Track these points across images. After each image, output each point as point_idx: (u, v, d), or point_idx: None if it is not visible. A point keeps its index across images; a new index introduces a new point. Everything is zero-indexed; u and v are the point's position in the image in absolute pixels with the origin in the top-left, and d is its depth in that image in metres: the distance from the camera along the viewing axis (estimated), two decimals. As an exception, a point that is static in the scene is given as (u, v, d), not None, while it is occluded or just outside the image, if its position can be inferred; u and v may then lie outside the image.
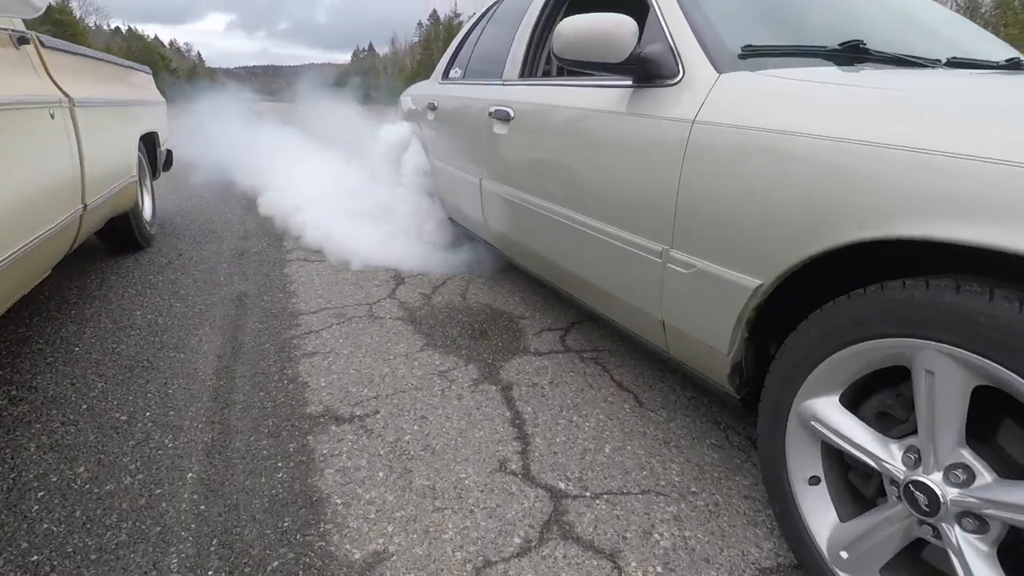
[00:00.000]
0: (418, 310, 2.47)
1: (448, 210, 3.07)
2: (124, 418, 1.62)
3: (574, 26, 1.48)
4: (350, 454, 1.47)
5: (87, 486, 1.35)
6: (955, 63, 1.49)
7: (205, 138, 7.13)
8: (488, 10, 3.03)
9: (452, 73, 3.14)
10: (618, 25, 1.41)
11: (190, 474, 1.39)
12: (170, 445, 1.50)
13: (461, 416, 1.65)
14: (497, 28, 2.75)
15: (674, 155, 1.29)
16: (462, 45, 3.17)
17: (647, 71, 1.45)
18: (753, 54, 1.33)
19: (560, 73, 2.50)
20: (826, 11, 1.73)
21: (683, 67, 1.38)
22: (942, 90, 1.08)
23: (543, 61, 2.34)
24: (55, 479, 1.37)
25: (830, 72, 1.25)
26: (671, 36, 1.46)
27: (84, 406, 1.68)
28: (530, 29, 2.32)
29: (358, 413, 1.66)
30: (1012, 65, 1.62)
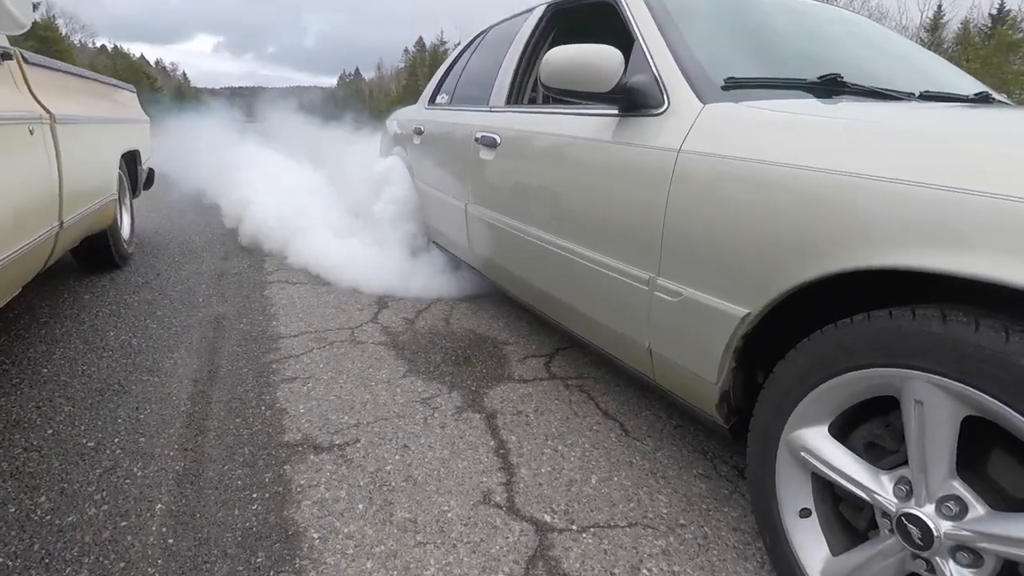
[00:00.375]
0: (401, 335, 2.43)
1: (432, 234, 3.06)
2: (91, 444, 1.56)
3: (562, 56, 1.49)
4: (328, 485, 1.42)
5: (48, 517, 1.28)
6: (928, 96, 1.54)
7: (186, 157, 7.09)
8: (475, 38, 3.07)
9: (439, 99, 3.16)
10: (605, 56, 1.43)
11: (159, 505, 1.33)
12: (139, 474, 1.44)
13: (444, 445, 1.61)
14: (484, 56, 2.79)
15: (660, 184, 1.29)
16: (449, 71, 3.20)
17: (633, 101, 1.47)
18: (735, 85, 1.35)
19: (546, 101, 2.53)
20: (804, 45, 1.77)
21: (668, 98, 1.40)
22: (918, 122, 1.10)
23: (529, 89, 2.36)
24: (13, 509, 1.30)
25: (810, 104, 1.28)
26: (656, 67, 1.48)
27: (49, 431, 1.61)
28: (517, 57, 2.34)
29: (338, 442, 1.61)
30: (981, 99, 1.68)
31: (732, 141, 1.17)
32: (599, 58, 1.43)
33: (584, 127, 1.66)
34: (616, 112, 1.54)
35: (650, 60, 1.51)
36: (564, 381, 2.03)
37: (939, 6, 26.22)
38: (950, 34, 26.25)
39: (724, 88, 1.34)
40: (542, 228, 1.82)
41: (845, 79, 1.41)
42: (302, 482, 1.43)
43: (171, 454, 1.53)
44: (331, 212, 4.02)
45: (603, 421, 1.77)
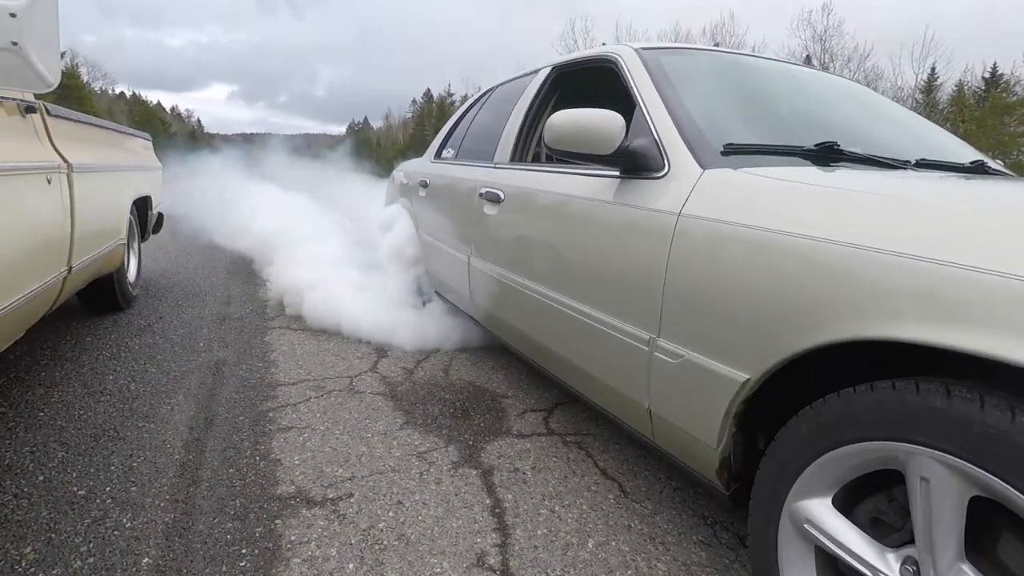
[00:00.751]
0: (399, 385, 2.42)
1: (435, 284, 3.08)
2: (82, 493, 1.53)
3: (565, 120, 1.53)
4: (319, 542, 1.39)
5: (32, 569, 1.25)
6: (924, 164, 1.56)
7: (193, 197, 7.31)
8: (482, 96, 3.17)
9: (445, 153, 3.23)
10: (607, 120, 1.47)
11: (145, 559, 1.30)
12: (128, 525, 1.41)
13: (439, 502, 1.58)
14: (490, 113, 2.87)
15: (661, 246, 1.31)
16: (455, 127, 3.29)
17: (634, 164, 1.50)
18: (734, 151, 1.38)
19: (549, 159, 2.58)
20: (801, 112, 1.81)
21: (669, 162, 1.43)
22: (915, 193, 1.12)
23: (533, 146, 2.42)
24: (-2, 561, 1.27)
25: (808, 172, 1.30)
26: (656, 132, 1.51)
27: (41, 477, 1.59)
28: (522, 116, 2.40)
29: (331, 496, 1.58)
30: (977, 168, 1.70)
31: (731, 207, 1.19)
32: (601, 122, 1.47)
33: (586, 187, 1.70)
34: (617, 174, 1.57)
35: (651, 125, 1.54)
36: (563, 437, 2.01)
37: (933, 68, 27.06)
38: (945, 95, 26.98)
39: (723, 154, 1.37)
40: (544, 284, 1.83)
41: (842, 147, 1.44)
42: (293, 538, 1.40)
43: (162, 505, 1.50)
44: (328, 256, 4.06)
45: (601, 481, 1.74)
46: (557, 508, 1.59)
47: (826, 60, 25.56)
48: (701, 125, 1.48)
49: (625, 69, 1.79)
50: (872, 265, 0.89)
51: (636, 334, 1.38)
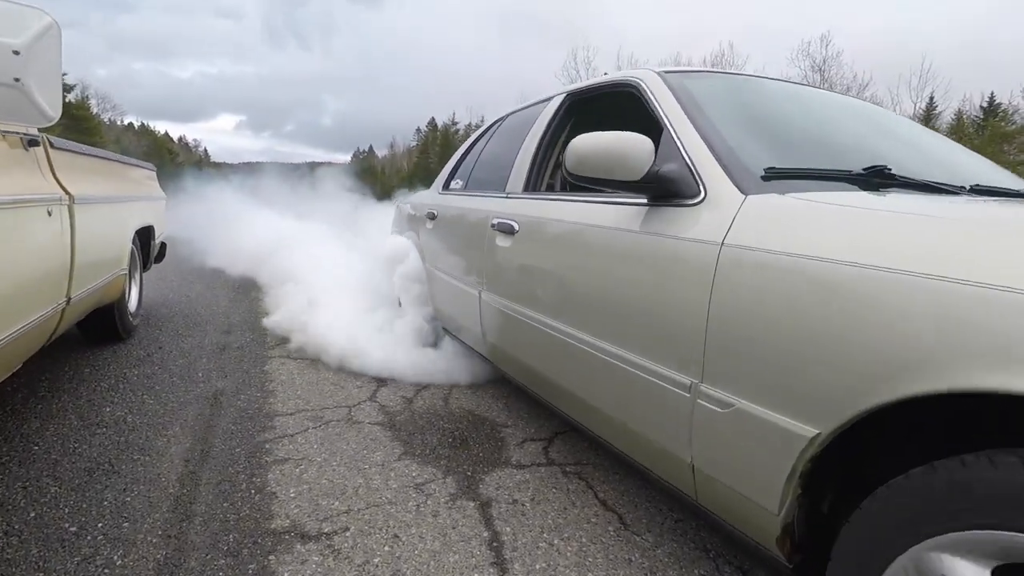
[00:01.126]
0: (398, 415, 2.40)
1: (442, 319, 2.98)
2: (73, 529, 1.51)
3: (589, 144, 1.43)
4: (313, 578, 1.36)
5: (19, 610, 1.23)
6: (979, 190, 1.44)
7: (194, 222, 7.46)
8: (491, 125, 3.09)
9: (453, 184, 3.16)
10: (634, 144, 1.37)
11: (135, 598, 1.28)
12: (118, 563, 1.39)
13: (436, 536, 1.55)
14: (500, 142, 2.78)
15: (702, 280, 1.18)
16: (464, 158, 3.21)
17: (665, 190, 1.38)
18: (776, 176, 1.26)
19: (563, 188, 2.42)
20: (837, 136, 1.72)
21: (704, 187, 1.31)
22: (986, 218, 1.03)
23: (547, 176, 2.31)
24: (-16, 601, 1.25)
25: (861, 197, 1.19)
26: (688, 156, 1.40)
27: (32, 514, 1.57)
28: (535, 145, 2.30)
29: (326, 530, 1.56)
30: None
31: (785, 235, 1.06)
32: (628, 146, 1.37)
33: (610, 215, 1.58)
34: (645, 201, 1.46)
35: (681, 149, 1.43)
36: (562, 467, 1.98)
37: (931, 98, 27.42)
38: (944, 124, 27.25)
39: (764, 178, 1.26)
40: (564, 320, 1.70)
41: (893, 171, 1.32)
42: (286, 575, 1.37)
43: (154, 541, 1.48)
44: (329, 287, 4.07)
45: (602, 513, 1.71)
46: (556, 541, 1.55)
47: (825, 89, 25.94)
48: (736, 149, 1.37)
49: (649, 93, 1.69)
50: (967, 300, 0.76)
51: (674, 378, 1.24)
